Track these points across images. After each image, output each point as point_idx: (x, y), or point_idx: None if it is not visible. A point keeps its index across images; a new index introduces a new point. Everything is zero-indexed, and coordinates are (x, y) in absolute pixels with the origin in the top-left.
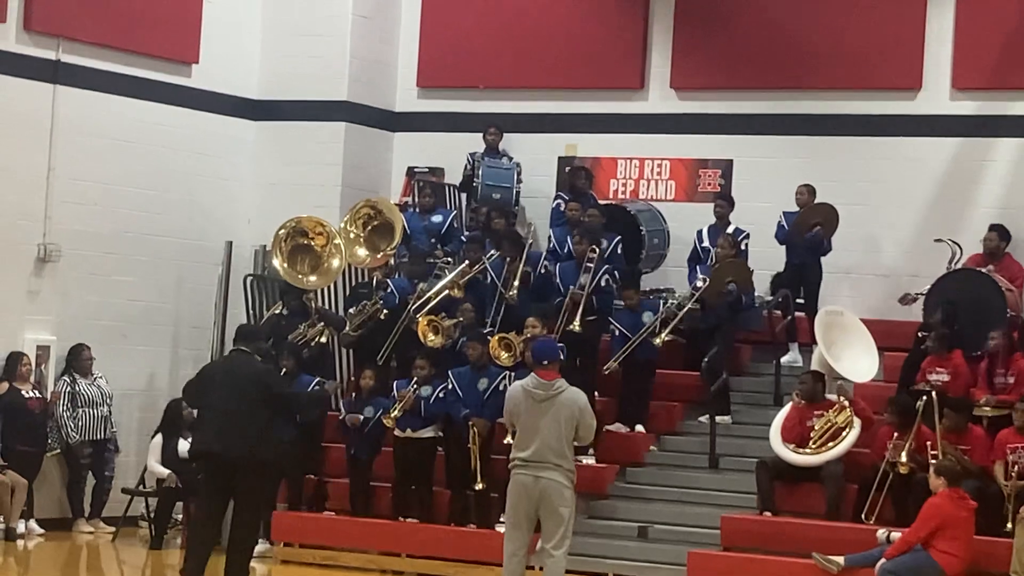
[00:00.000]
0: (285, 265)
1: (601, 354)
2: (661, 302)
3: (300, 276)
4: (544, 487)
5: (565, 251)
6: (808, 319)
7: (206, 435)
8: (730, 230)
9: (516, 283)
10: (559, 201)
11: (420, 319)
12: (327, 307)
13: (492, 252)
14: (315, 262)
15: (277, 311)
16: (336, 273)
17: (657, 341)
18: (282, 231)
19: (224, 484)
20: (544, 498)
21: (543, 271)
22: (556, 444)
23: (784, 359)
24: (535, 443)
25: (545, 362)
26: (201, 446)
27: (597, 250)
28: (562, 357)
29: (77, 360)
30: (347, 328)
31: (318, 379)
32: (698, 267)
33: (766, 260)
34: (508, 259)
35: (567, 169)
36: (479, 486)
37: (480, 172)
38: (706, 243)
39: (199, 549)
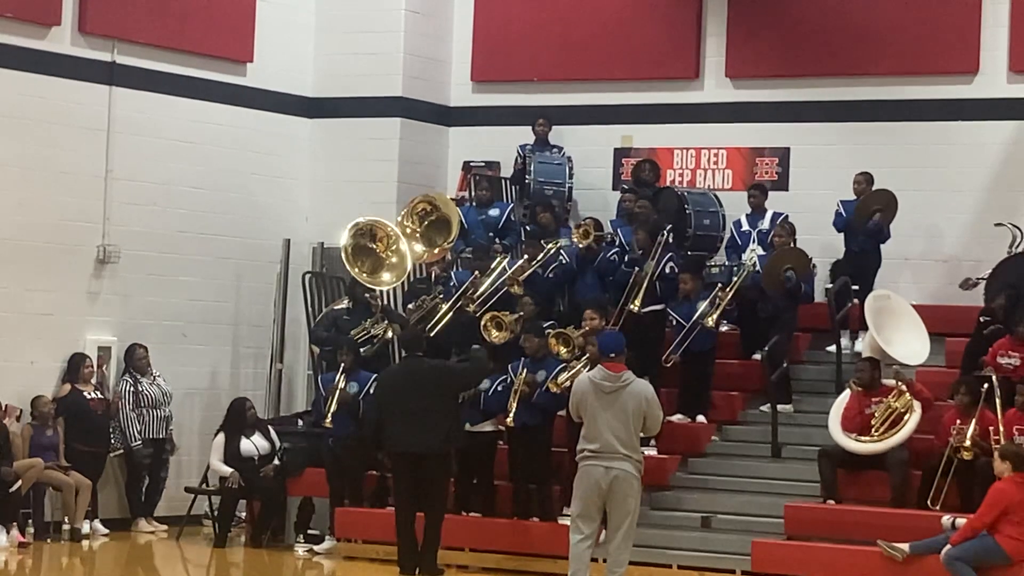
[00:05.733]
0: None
1: (666, 345)
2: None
3: (361, 273)
4: (615, 478)
5: (617, 242)
6: (862, 306)
7: (401, 436)
8: (768, 216)
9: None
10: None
11: (483, 316)
12: (388, 304)
13: (560, 240)
14: (376, 264)
15: (341, 306)
16: (404, 274)
17: (709, 322)
18: (355, 228)
19: (416, 476)
20: (614, 489)
21: (614, 258)
22: (625, 436)
23: (844, 346)
24: (604, 434)
25: (612, 354)
26: (398, 447)
27: (664, 235)
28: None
29: (132, 359)
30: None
31: (375, 375)
32: (741, 254)
33: (824, 247)
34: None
35: (634, 162)
36: (510, 422)
37: (532, 168)
38: (745, 227)
39: (409, 542)
